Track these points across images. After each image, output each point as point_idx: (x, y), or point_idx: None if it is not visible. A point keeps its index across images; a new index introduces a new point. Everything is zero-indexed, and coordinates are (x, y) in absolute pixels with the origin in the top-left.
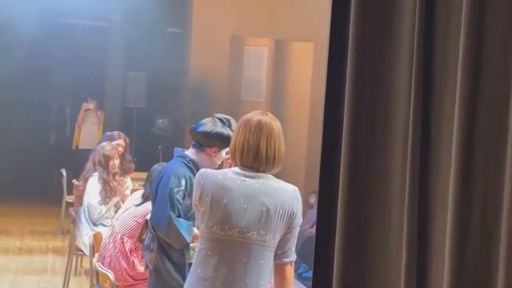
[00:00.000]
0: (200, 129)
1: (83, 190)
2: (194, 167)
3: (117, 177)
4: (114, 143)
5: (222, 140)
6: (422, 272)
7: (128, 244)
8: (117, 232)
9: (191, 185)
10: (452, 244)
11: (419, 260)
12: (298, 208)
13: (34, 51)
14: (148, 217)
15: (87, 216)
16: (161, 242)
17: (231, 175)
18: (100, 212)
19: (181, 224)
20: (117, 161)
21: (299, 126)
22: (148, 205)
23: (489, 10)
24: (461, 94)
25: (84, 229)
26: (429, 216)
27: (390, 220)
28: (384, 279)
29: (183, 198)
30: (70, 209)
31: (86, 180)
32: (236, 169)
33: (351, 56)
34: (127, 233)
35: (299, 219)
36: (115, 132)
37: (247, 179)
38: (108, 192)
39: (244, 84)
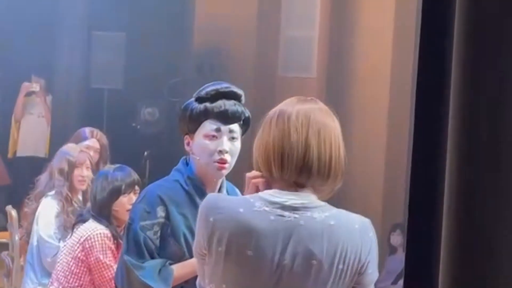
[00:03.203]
0: None
1: (33, 217)
2: (194, 188)
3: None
4: (83, 144)
5: (182, 116)
6: None
7: None
8: (56, 287)
9: (183, 217)
10: None
11: None
12: (372, 254)
13: None
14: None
15: (35, 261)
16: None
17: (259, 207)
18: (58, 252)
19: (148, 270)
20: (87, 172)
21: (372, 124)
22: (81, 231)
23: None
24: None
25: (27, 283)
26: None
27: None
28: None
29: (161, 236)
30: (3, 254)
31: (38, 201)
32: (268, 194)
33: (458, 33)
34: (69, 284)
35: (373, 273)
36: (86, 129)
37: (286, 213)
38: (71, 216)
39: (283, 51)
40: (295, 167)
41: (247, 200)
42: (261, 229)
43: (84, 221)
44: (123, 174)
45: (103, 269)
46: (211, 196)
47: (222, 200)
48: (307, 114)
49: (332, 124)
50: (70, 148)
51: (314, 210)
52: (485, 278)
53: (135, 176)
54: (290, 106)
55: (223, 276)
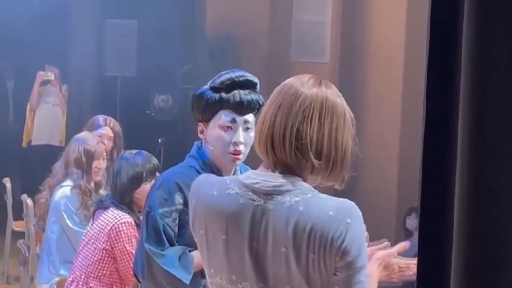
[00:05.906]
0: None
1: (47, 206)
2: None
3: (101, 191)
4: (97, 132)
5: (196, 105)
6: None
7: None
8: (78, 276)
9: None
10: None
11: None
12: (348, 241)
13: None
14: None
15: (53, 252)
16: None
17: (232, 189)
18: None
19: (169, 257)
20: (104, 163)
21: (386, 108)
22: (105, 220)
23: None
24: None
25: (44, 273)
26: None
27: None
28: None
29: (179, 223)
30: (20, 242)
31: (52, 189)
32: (245, 175)
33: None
34: (92, 273)
35: (354, 262)
36: (100, 117)
37: (256, 197)
38: (90, 209)
39: (296, 36)
40: (261, 141)
41: (224, 182)
42: (231, 213)
43: (105, 208)
44: (143, 159)
45: (129, 258)
46: (198, 178)
47: (205, 182)
48: (284, 88)
49: (335, 102)
50: (86, 136)
51: (286, 194)
52: (498, 261)
53: (154, 161)
54: (291, 82)
55: (208, 259)
